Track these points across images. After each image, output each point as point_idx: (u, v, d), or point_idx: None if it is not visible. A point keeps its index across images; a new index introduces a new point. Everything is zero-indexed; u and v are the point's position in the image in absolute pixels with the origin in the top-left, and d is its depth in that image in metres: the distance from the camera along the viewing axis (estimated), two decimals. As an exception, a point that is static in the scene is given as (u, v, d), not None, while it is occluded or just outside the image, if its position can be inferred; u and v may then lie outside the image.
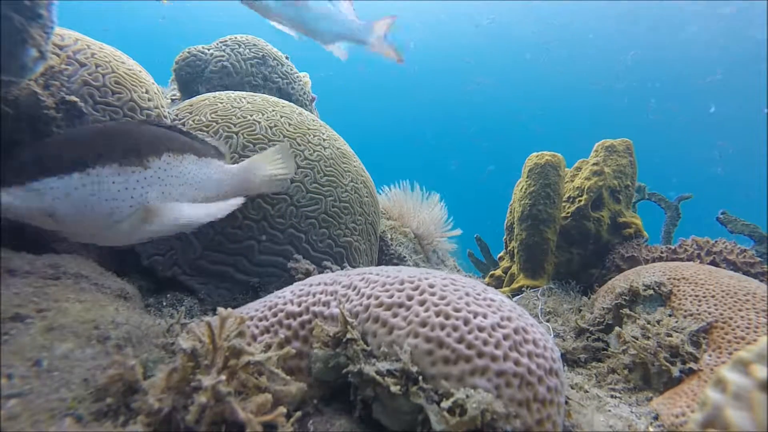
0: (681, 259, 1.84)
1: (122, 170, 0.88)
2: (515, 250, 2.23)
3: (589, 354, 1.35)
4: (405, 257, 1.85)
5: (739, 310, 1.14)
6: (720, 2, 11.64)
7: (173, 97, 2.04)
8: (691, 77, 15.15)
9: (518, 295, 1.95)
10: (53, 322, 0.74)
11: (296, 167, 1.38)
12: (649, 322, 1.20)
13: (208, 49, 2.04)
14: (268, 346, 0.66)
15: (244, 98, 1.54)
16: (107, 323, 0.80)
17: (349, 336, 0.62)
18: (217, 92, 1.59)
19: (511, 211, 2.34)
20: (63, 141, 0.91)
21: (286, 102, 1.65)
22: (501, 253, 2.55)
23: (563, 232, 2.16)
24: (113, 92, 1.19)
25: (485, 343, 0.58)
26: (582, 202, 2.11)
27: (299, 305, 0.72)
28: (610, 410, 1.00)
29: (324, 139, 1.55)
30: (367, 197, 1.60)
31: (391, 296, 0.65)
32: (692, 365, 1.06)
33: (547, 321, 1.55)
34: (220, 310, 0.58)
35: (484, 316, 0.62)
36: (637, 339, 1.16)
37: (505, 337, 0.60)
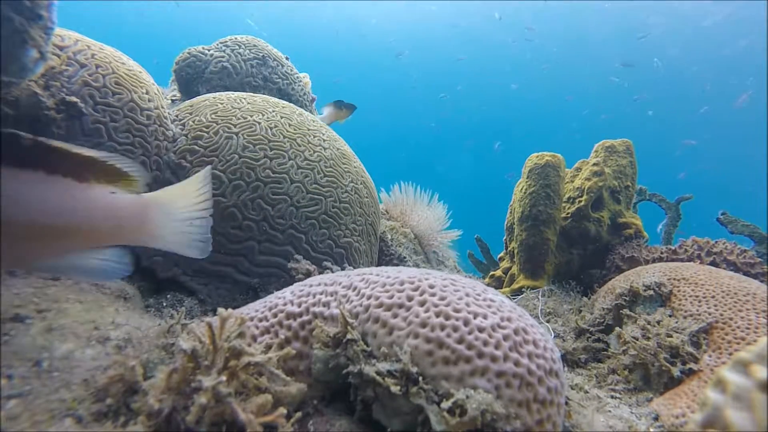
0: (681, 260, 1.84)
1: None
2: (515, 251, 2.23)
3: (590, 354, 1.35)
4: (405, 258, 1.85)
5: (739, 311, 1.14)
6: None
7: (173, 98, 2.04)
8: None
9: (518, 295, 1.95)
10: (53, 322, 0.74)
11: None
12: (649, 323, 1.20)
13: (209, 50, 2.04)
14: (269, 347, 0.66)
15: (245, 99, 1.54)
16: (107, 324, 0.80)
17: (349, 337, 0.62)
18: (218, 93, 1.59)
19: (511, 212, 2.34)
20: None
21: (287, 103, 1.65)
22: (501, 254, 2.55)
23: (563, 232, 2.16)
24: (113, 93, 1.19)
25: (485, 343, 0.58)
26: (582, 203, 2.11)
27: (299, 306, 0.72)
28: (610, 411, 1.00)
29: (324, 140, 1.55)
30: (367, 198, 1.60)
31: (391, 297, 0.65)
32: (692, 366, 1.06)
33: (548, 321, 1.55)
34: (221, 310, 0.58)
35: (484, 317, 0.62)
36: (637, 339, 1.16)
37: (505, 337, 0.60)
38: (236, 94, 1.58)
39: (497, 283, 2.35)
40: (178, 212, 0.82)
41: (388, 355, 0.59)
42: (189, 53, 2.02)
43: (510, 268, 2.31)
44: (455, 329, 0.59)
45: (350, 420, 0.61)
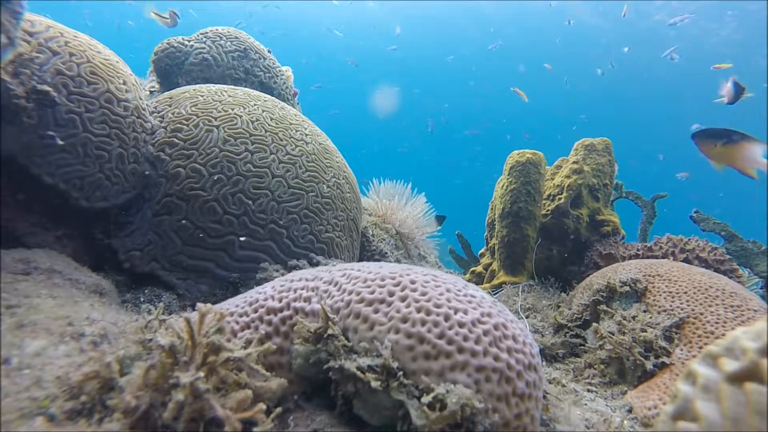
0: (656, 257, 1.89)
1: None
2: (496, 247, 2.25)
3: (567, 349, 1.38)
4: (386, 253, 1.85)
5: (710, 306, 1.18)
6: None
7: (152, 89, 1.99)
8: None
9: (499, 291, 1.97)
10: (24, 318, 0.72)
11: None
12: (625, 318, 1.23)
13: (189, 41, 2.00)
14: (249, 342, 0.66)
15: (226, 91, 1.51)
16: (82, 319, 0.78)
17: (330, 332, 0.62)
18: (198, 85, 1.56)
19: (492, 208, 2.37)
20: None
21: (269, 96, 1.63)
22: (482, 250, 2.58)
23: (543, 229, 2.19)
24: (89, 82, 1.16)
25: (465, 338, 0.59)
26: (562, 200, 2.15)
27: (280, 301, 0.71)
28: (586, 404, 1.03)
29: (306, 134, 1.53)
30: (349, 193, 1.59)
31: (373, 292, 0.65)
32: (665, 359, 1.10)
33: (527, 317, 1.57)
34: (200, 305, 0.57)
35: (465, 312, 0.62)
36: (613, 334, 1.19)
37: (485, 332, 0.61)
38: (217, 86, 1.55)
39: (478, 279, 2.37)
40: None
41: (368, 350, 0.59)
42: (168, 44, 1.97)
43: (490, 264, 2.34)
44: (436, 324, 0.60)
45: (331, 415, 0.61)
